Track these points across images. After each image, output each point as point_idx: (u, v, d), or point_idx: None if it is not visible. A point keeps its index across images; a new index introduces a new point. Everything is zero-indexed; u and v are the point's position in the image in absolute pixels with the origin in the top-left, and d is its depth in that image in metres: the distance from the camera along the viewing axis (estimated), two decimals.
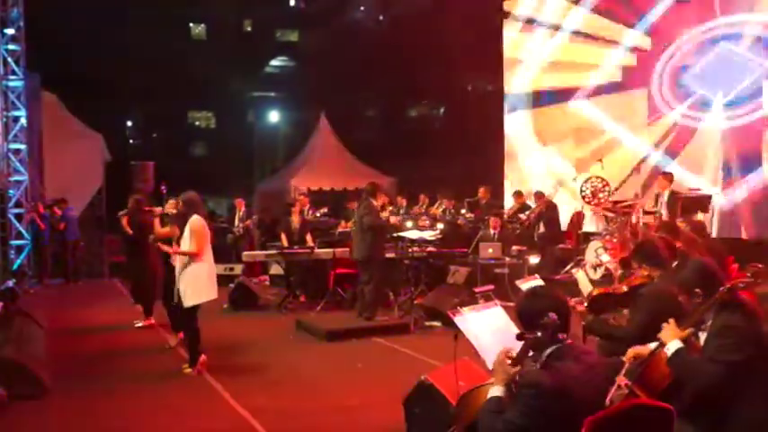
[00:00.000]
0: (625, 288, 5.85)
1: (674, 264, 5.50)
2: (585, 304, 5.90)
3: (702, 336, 4.09)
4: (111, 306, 13.50)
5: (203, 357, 8.28)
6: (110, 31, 26.93)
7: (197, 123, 37.06)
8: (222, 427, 6.45)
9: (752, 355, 3.85)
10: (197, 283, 8.12)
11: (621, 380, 4.24)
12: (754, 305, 4.19)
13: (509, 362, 3.59)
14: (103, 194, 20.25)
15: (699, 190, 12.88)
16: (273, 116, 33.75)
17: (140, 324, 11.14)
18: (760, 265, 4.83)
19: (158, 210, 10.22)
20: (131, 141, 33.62)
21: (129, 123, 34.07)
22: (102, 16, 26.01)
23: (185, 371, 8.22)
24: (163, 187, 11.36)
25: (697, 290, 4.13)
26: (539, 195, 15.16)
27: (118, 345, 10.14)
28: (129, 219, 10.91)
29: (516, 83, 18.78)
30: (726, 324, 3.94)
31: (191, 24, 35.05)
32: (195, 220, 8.12)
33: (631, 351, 4.49)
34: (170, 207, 10.03)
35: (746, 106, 12.79)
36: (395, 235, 11.82)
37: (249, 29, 35.50)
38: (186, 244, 8.10)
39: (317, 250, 12.76)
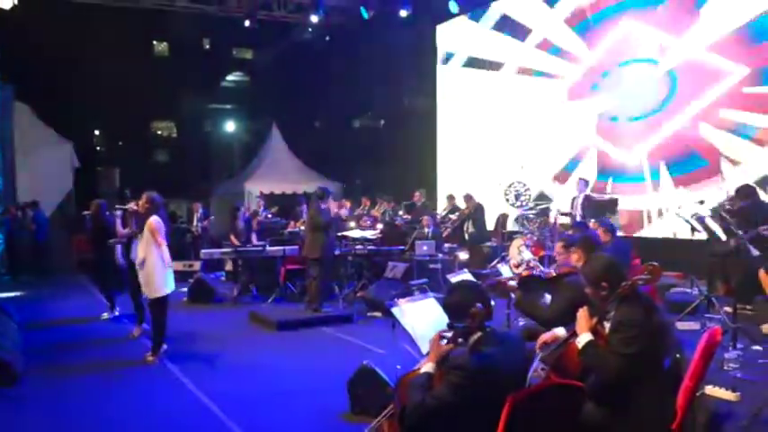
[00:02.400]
0: (554, 273, 5.96)
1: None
2: (516, 283, 5.99)
3: (608, 325, 4.14)
4: (79, 300, 13.30)
5: (164, 347, 8.25)
6: (81, 49, 26.57)
7: (159, 132, 36.59)
8: (182, 410, 6.39)
9: (648, 345, 3.90)
10: (156, 278, 8.04)
11: (539, 365, 4.33)
12: (652, 299, 4.26)
13: (443, 342, 3.66)
14: (72, 197, 19.94)
15: (609, 194, 13.11)
16: (230, 126, 33.49)
17: (106, 316, 11.02)
18: (655, 263, 4.94)
19: (118, 212, 10.13)
20: (98, 149, 33.02)
21: (97, 132, 33.49)
22: (74, 35, 25.60)
23: (148, 359, 8.14)
24: (127, 191, 11.25)
25: (603, 283, 4.14)
26: (468, 198, 15.30)
27: (85, 336, 9.96)
28: (94, 220, 10.83)
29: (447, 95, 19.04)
30: (625, 318, 3.96)
31: (154, 42, 34.65)
32: (152, 220, 8.03)
33: (544, 336, 4.59)
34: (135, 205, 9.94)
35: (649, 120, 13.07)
36: (339, 234, 11.86)
37: (208, 47, 35.24)
38: (144, 243, 8.05)
39: (268, 248, 12.71)
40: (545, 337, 4.57)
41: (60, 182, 19.83)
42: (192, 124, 34.41)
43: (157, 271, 8.03)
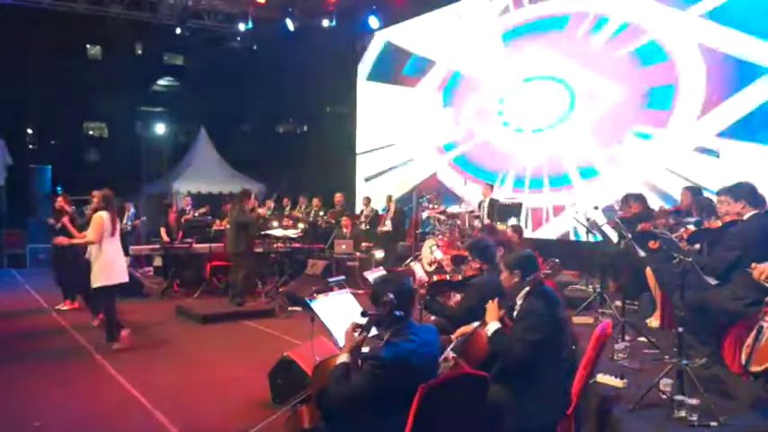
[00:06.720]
0: (459, 277, 6.03)
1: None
2: (425, 288, 6.03)
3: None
4: (8, 293, 12.85)
5: (125, 331, 8.14)
6: (16, 50, 25.65)
7: (91, 133, 35.56)
8: (109, 400, 6.20)
9: (548, 334, 4.04)
10: (101, 268, 7.92)
11: (449, 354, 4.38)
12: (554, 292, 4.37)
13: (356, 333, 3.66)
14: (4, 194, 19.15)
15: (513, 199, 13.31)
16: (160, 128, 32.80)
17: (64, 308, 10.89)
18: (557, 260, 5.04)
19: (66, 216, 9.89)
20: (31, 147, 31.85)
21: (30, 131, 32.34)
22: (9, 36, 24.68)
23: (114, 347, 8.00)
24: (58, 188, 10.98)
25: (516, 270, 4.35)
26: (389, 200, 15.43)
27: (14, 329, 9.63)
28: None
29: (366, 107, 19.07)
30: (530, 308, 4.11)
31: (88, 46, 33.69)
32: (96, 215, 7.96)
33: (459, 331, 4.64)
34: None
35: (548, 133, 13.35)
36: (262, 233, 11.74)
37: (140, 52, 34.46)
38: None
39: (195, 245, 12.49)
40: (463, 328, 4.63)
41: None
42: (124, 126, 33.61)
43: (102, 261, 7.95)
